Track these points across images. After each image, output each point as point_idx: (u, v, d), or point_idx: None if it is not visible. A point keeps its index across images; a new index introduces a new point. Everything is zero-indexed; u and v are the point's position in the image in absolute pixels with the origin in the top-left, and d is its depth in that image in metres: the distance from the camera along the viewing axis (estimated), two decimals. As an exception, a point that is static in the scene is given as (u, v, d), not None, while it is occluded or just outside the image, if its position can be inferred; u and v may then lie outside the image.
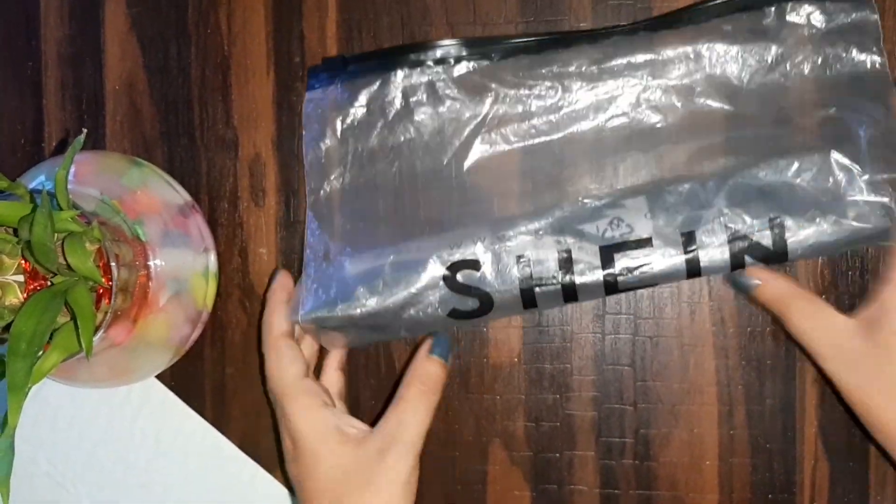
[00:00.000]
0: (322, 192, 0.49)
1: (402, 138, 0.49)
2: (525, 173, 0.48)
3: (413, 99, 0.48)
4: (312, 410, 0.45)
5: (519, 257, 0.45)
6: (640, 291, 0.49)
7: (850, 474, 0.49)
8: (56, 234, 0.41)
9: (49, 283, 0.42)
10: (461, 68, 0.48)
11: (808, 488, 0.49)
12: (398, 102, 0.48)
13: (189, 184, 0.52)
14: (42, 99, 0.54)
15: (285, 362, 0.46)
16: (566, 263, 0.45)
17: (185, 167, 0.53)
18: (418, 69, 0.48)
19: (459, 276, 0.45)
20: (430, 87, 0.48)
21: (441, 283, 0.45)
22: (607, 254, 0.44)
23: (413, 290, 0.45)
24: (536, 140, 0.48)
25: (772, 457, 0.49)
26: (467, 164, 0.48)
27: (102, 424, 0.54)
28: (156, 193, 0.49)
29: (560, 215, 0.46)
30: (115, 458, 0.53)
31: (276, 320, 0.47)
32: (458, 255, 0.45)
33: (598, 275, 0.44)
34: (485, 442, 0.51)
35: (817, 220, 0.43)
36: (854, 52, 0.45)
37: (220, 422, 0.53)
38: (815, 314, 0.44)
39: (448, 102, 0.48)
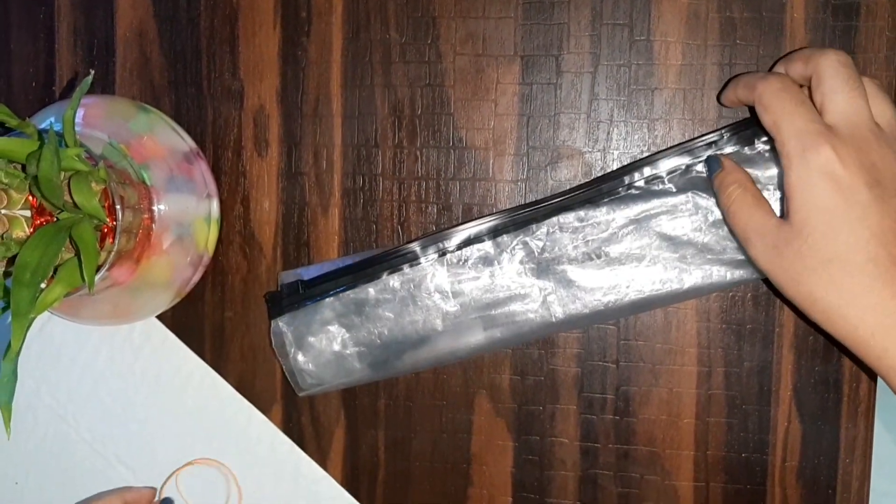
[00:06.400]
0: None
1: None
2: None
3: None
4: None
5: None
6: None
7: (822, 436, 0.50)
8: (63, 173, 0.43)
9: (55, 220, 0.43)
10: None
11: (780, 449, 0.50)
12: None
13: (195, 132, 0.53)
14: (54, 43, 0.55)
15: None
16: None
17: (191, 115, 0.54)
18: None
19: None
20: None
21: None
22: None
23: None
24: None
25: (747, 417, 0.51)
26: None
27: (104, 362, 0.55)
28: (162, 139, 0.50)
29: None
30: (115, 394, 0.55)
31: None
32: None
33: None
34: (471, 393, 0.53)
35: None
36: None
37: (218, 363, 0.55)
38: (754, 208, 0.45)
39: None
